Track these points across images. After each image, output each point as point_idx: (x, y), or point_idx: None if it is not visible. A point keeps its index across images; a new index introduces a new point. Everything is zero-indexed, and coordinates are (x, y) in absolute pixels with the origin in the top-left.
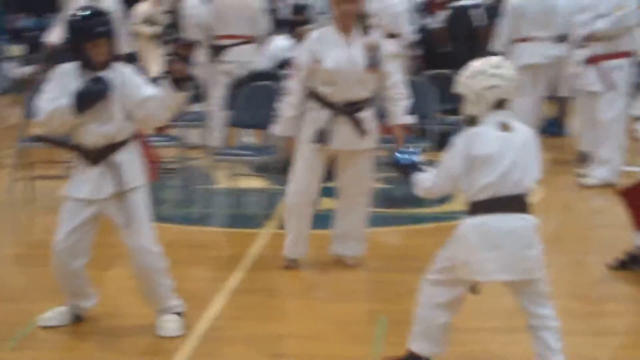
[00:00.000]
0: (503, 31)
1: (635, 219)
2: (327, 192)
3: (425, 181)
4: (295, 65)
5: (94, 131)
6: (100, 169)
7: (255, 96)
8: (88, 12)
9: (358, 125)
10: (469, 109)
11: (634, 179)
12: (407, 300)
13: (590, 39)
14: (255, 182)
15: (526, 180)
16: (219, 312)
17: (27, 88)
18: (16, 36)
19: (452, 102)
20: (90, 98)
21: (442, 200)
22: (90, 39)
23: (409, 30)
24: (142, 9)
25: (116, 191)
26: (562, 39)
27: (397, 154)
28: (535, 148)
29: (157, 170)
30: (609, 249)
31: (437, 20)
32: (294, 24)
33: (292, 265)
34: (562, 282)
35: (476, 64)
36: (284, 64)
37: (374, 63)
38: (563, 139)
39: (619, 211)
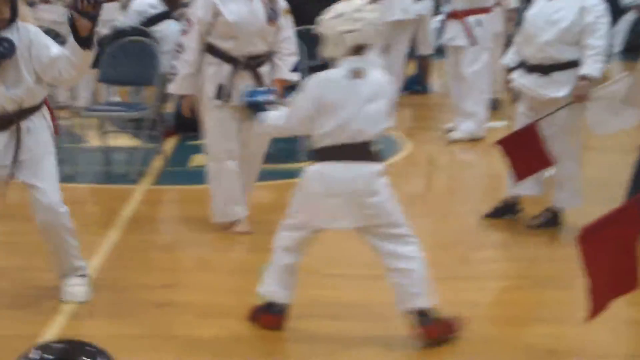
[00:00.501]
0: None
1: (512, 168)
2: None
3: (276, 119)
4: (191, 21)
5: (3, 95)
6: (8, 135)
7: (121, 53)
8: None
9: (259, 80)
10: (328, 51)
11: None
12: None
13: None
14: (125, 140)
15: (371, 128)
16: (102, 265)
17: None
18: None
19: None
20: None
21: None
22: None
23: None
24: None
25: (24, 157)
26: None
27: (246, 92)
28: (387, 96)
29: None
30: (477, 200)
31: None
32: None
33: (229, 227)
34: (433, 233)
35: (339, 6)
36: (149, 21)
37: (273, 16)
38: (426, 96)
39: (485, 163)
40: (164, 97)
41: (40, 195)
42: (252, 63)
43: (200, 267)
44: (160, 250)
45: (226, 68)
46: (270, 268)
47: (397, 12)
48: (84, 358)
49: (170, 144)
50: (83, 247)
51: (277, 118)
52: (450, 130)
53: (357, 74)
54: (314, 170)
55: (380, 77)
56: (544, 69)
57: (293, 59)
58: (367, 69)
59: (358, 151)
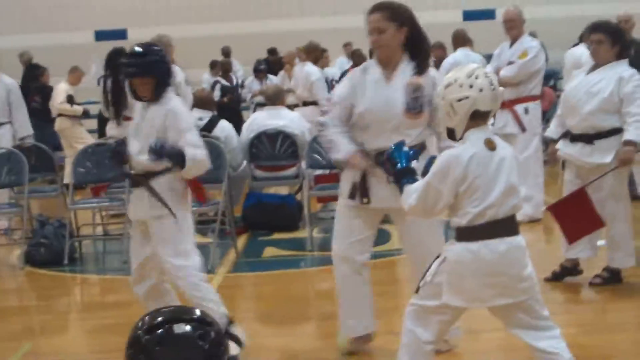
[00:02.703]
0: None
1: (565, 232)
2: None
3: (409, 197)
4: (331, 99)
5: (134, 158)
6: (140, 192)
7: None
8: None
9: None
10: (445, 122)
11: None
12: None
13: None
14: (198, 237)
15: (516, 200)
16: None
17: None
18: None
19: None
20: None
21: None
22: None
23: (324, 97)
24: (61, 87)
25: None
26: None
27: (394, 148)
28: (516, 166)
29: None
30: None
31: None
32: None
33: (356, 343)
34: None
35: (450, 74)
36: (205, 129)
37: (413, 106)
38: None
39: (543, 244)
40: (232, 197)
41: (158, 255)
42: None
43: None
44: None
45: None
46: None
47: None
48: (192, 317)
49: (242, 240)
50: None
51: (411, 196)
52: None
53: (490, 144)
54: (469, 249)
55: (507, 145)
56: (588, 138)
57: None
58: (494, 138)
59: (510, 225)
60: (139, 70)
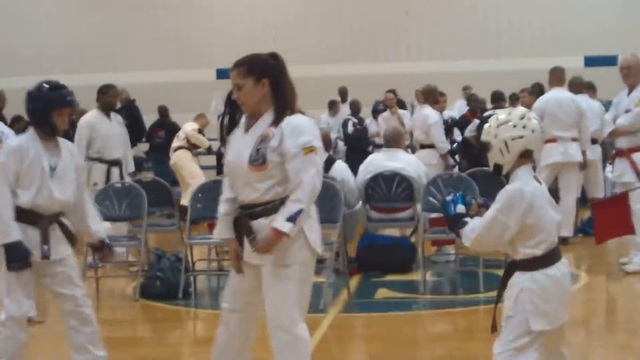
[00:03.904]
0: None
1: (598, 229)
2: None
3: (471, 233)
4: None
5: (57, 198)
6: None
7: None
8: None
9: (248, 234)
10: (494, 158)
11: None
12: None
13: (615, 134)
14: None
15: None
16: None
17: None
18: None
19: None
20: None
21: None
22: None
23: (441, 140)
24: (191, 126)
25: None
26: (593, 141)
27: (446, 201)
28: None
29: None
30: None
31: (470, 129)
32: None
33: None
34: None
35: (502, 115)
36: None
37: (255, 157)
38: None
39: None
40: (346, 236)
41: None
42: (246, 214)
43: None
44: None
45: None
46: None
47: (558, 155)
48: None
49: (354, 281)
50: None
51: (472, 231)
52: (624, 264)
53: (537, 179)
54: (548, 274)
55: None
56: None
57: (297, 208)
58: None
59: (559, 250)
60: (73, 100)
